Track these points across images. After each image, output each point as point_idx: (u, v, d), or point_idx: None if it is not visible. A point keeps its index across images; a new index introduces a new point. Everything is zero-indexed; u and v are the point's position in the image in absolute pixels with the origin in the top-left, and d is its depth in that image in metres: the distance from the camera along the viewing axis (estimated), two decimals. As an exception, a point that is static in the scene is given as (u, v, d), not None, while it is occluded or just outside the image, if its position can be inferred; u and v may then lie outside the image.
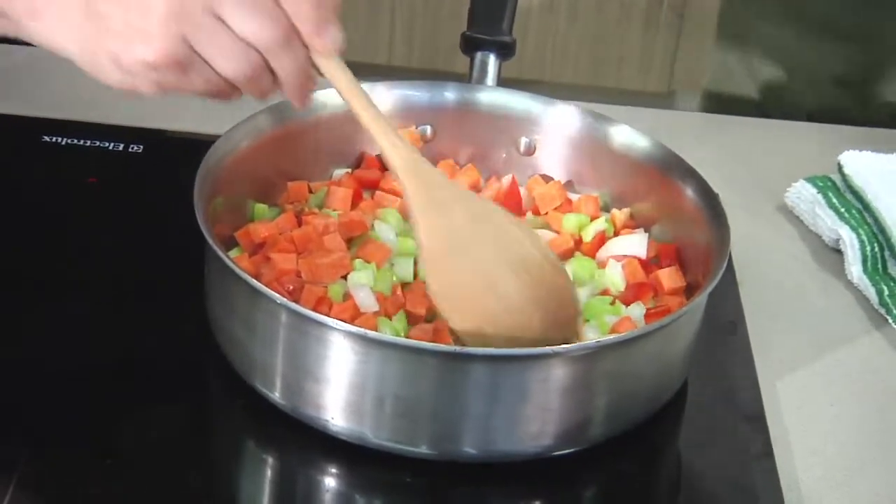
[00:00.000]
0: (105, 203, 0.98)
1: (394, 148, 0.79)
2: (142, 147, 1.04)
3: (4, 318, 0.86)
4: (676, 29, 2.56)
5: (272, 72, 0.79)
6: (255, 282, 0.73)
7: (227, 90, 0.81)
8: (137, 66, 0.79)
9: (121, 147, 1.04)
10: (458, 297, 0.84)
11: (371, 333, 0.72)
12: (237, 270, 0.73)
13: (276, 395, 0.76)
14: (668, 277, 0.85)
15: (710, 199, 0.85)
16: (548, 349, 0.75)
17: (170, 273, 0.90)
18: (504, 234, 0.85)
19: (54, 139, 1.04)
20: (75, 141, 1.04)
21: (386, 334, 0.77)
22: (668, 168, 0.89)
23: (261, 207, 0.88)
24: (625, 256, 0.88)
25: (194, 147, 0.87)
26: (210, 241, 0.76)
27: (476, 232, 0.86)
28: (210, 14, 0.79)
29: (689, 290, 0.85)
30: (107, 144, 1.04)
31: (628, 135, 0.92)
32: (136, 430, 0.78)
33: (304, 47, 0.79)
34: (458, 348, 0.75)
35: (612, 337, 0.79)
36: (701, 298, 0.78)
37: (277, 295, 0.73)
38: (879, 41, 1.45)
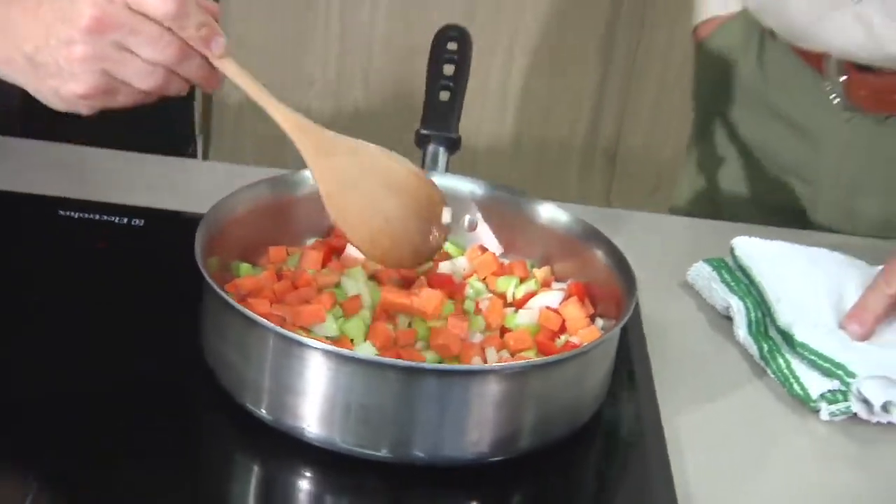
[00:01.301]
0: (113, 262, 1.10)
1: (281, 113, 0.95)
2: (143, 221, 1.16)
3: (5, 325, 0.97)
4: (609, 172, 2.73)
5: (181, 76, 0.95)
6: (248, 311, 0.84)
7: (150, 98, 0.95)
8: (73, 97, 0.94)
9: (125, 221, 1.15)
10: (356, 223, 0.99)
11: (341, 350, 0.83)
12: (232, 302, 0.85)
13: (263, 411, 0.86)
14: (574, 306, 0.97)
15: (617, 256, 0.98)
16: (485, 366, 0.88)
17: (167, 312, 1.01)
18: (378, 163, 1.01)
19: (69, 213, 1.16)
20: (87, 215, 1.16)
21: (354, 351, 0.87)
22: (585, 236, 1.02)
23: (245, 266, 0.99)
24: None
25: (184, 222, 1.02)
26: (207, 277, 0.87)
27: (356, 165, 1.00)
28: (120, 49, 0.92)
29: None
30: (113, 219, 1.16)
31: (552, 210, 1.04)
32: (132, 443, 0.87)
33: (200, 55, 0.93)
34: (411, 363, 0.85)
35: (538, 360, 0.90)
36: (614, 332, 0.90)
37: (268, 321, 0.84)
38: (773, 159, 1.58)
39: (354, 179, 0.99)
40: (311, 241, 1.05)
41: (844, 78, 1.51)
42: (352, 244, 0.99)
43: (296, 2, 2.52)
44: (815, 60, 1.52)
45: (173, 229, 1.07)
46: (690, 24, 1.72)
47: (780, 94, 1.60)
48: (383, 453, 0.85)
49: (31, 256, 1.09)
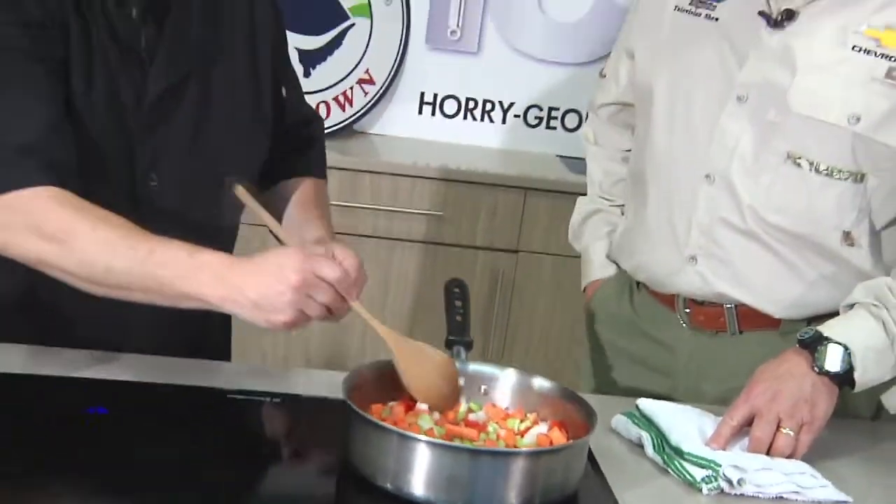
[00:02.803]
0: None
1: (384, 331, 1.46)
2: (280, 399, 1.59)
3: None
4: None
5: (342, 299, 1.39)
6: (381, 422, 1.37)
7: (324, 316, 1.39)
8: (279, 324, 1.37)
9: (268, 399, 1.59)
10: (422, 390, 1.48)
11: (429, 438, 1.35)
12: (373, 419, 1.37)
13: (388, 485, 1.35)
14: (558, 432, 1.45)
15: (585, 405, 1.47)
16: (510, 450, 1.40)
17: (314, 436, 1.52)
18: (433, 357, 1.51)
19: (234, 397, 1.60)
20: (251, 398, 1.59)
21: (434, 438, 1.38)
22: (564, 395, 1.50)
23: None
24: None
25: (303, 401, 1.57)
26: (355, 407, 1.36)
27: (423, 359, 1.50)
28: (308, 296, 1.37)
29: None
30: (258, 399, 1.58)
31: (541, 381, 1.54)
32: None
33: (343, 298, 1.39)
34: (468, 446, 1.37)
35: (544, 448, 1.42)
36: (585, 439, 1.40)
37: (395, 427, 1.36)
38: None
39: (421, 367, 1.50)
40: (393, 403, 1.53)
41: (688, 310, 1.90)
42: (419, 401, 1.49)
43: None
44: (669, 300, 1.91)
45: (301, 404, 1.59)
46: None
47: (647, 323, 1.96)
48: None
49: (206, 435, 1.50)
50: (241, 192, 1.55)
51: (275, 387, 1.64)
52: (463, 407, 1.54)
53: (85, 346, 1.62)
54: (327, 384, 1.56)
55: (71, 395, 1.52)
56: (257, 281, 1.36)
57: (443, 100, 3.69)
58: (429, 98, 3.65)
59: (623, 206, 2.08)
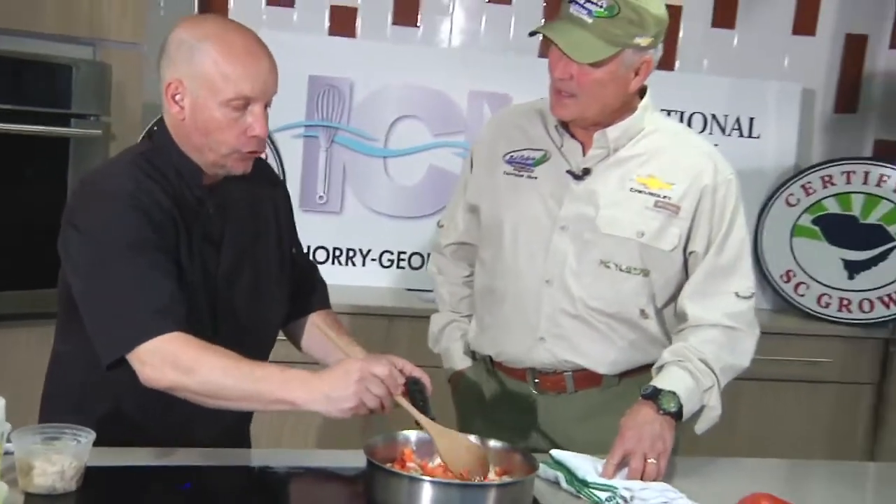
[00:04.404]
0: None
1: (420, 418, 1.76)
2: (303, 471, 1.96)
3: None
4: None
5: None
6: (396, 469, 1.77)
7: (379, 407, 1.69)
8: (346, 411, 1.68)
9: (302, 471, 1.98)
10: (453, 462, 1.78)
11: (431, 478, 1.74)
12: (388, 467, 1.78)
13: None
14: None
15: (528, 455, 1.86)
16: (490, 482, 1.81)
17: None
18: (461, 438, 1.81)
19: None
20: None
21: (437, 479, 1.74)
22: (512, 450, 1.91)
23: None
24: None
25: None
26: (376, 462, 1.76)
27: (453, 439, 1.79)
28: (366, 389, 1.67)
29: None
30: (293, 471, 1.96)
31: (494, 442, 1.91)
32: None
33: (390, 391, 1.67)
34: (464, 482, 1.76)
35: (510, 479, 1.82)
36: (534, 474, 1.82)
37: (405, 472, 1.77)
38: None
39: (453, 444, 1.81)
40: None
41: (537, 380, 2.24)
42: (452, 469, 1.79)
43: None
44: (521, 374, 2.26)
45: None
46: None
47: (505, 394, 2.29)
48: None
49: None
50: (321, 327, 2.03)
51: (302, 462, 2.03)
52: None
53: (163, 445, 1.93)
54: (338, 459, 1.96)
55: (167, 477, 1.87)
56: (330, 382, 1.70)
57: (315, 249, 4.04)
58: (304, 249, 4.00)
59: (468, 316, 2.44)
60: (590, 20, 2.07)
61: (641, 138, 2.21)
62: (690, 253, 2.21)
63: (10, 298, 3.26)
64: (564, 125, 2.22)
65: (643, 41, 2.10)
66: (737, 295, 2.22)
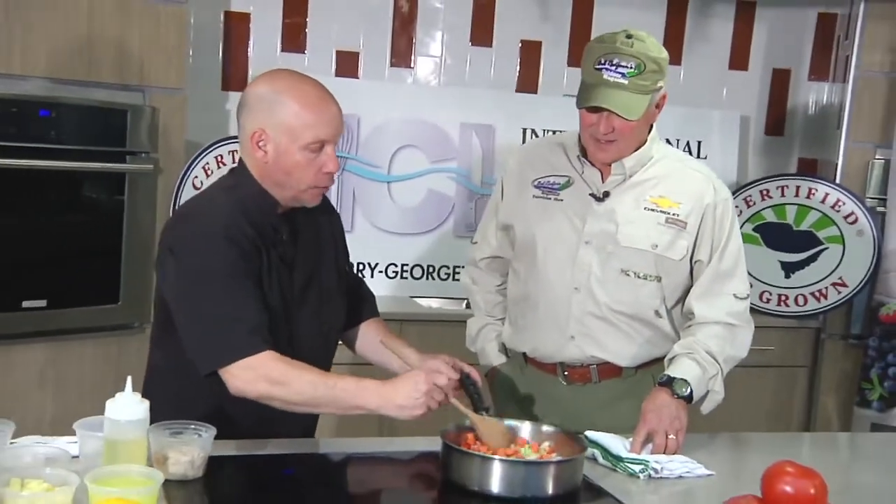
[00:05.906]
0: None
1: (468, 413, 1.89)
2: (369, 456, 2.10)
3: None
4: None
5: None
6: (464, 449, 1.88)
7: (436, 406, 1.82)
8: (415, 415, 1.80)
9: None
10: (493, 441, 1.89)
11: (500, 457, 1.85)
12: (459, 447, 1.89)
13: (475, 487, 1.86)
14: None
15: (576, 437, 2.00)
16: (544, 460, 1.92)
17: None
18: (498, 423, 1.93)
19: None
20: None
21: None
22: (563, 431, 2.07)
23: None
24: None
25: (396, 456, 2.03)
26: (451, 443, 1.87)
27: (491, 424, 1.91)
28: (431, 395, 1.79)
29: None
30: (370, 456, 2.06)
31: (547, 426, 2.04)
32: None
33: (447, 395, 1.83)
34: (520, 459, 1.89)
35: (566, 458, 1.93)
36: (584, 453, 1.95)
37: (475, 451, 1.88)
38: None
39: (491, 429, 1.94)
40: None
41: (566, 373, 2.33)
42: (489, 447, 1.90)
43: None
44: (552, 368, 2.34)
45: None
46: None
47: (536, 385, 2.35)
48: (512, 493, 1.83)
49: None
50: (376, 334, 2.11)
51: (383, 448, 2.15)
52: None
53: (257, 437, 2.01)
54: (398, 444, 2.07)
55: (274, 464, 1.96)
56: (401, 392, 1.83)
57: (330, 265, 4.10)
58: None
59: (501, 319, 2.51)
60: (625, 81, 2.15)
61: (651, 165, 2.32)
62: (696, 261, 2.32)
63: (75, 314, 3.30)
64: (584, 154, 2.32)
65: (663, 82, 2.23)
66: (735, 296, 2.34)
